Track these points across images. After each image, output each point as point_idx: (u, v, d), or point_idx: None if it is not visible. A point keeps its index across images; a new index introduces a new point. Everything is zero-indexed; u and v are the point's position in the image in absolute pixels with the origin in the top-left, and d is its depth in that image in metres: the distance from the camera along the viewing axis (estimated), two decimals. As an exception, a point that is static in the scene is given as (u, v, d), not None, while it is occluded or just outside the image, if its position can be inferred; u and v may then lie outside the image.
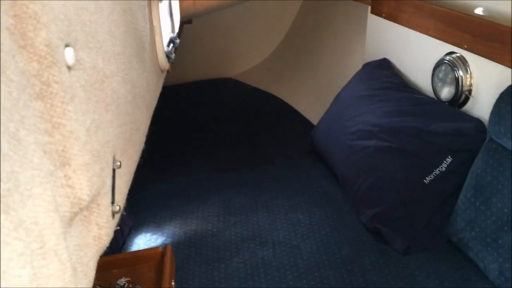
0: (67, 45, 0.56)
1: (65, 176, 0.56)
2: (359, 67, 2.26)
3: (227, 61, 3.45)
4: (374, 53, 2.26)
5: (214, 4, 2.31)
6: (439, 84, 1.83)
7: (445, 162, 1.61)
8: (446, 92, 1.80)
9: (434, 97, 1.86)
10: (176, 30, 1.79)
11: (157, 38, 1.26)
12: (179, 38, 2.53)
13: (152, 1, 1.22)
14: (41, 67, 0.50)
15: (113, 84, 0.75)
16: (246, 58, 3.46)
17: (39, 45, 0.49)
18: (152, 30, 1.22)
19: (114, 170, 0.73)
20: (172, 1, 1.66)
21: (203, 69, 3.34)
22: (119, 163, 0.74)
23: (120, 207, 0.74)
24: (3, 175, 0.39)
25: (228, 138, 2.60)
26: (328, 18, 2.98)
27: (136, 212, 1.87)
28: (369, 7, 2.28)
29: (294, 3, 3.34)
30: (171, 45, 1.48)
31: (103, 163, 0.67)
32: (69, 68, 0.56)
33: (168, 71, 2.41)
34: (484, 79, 1.64)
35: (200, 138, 2.64)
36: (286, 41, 3.41)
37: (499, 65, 1.55)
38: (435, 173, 1.61)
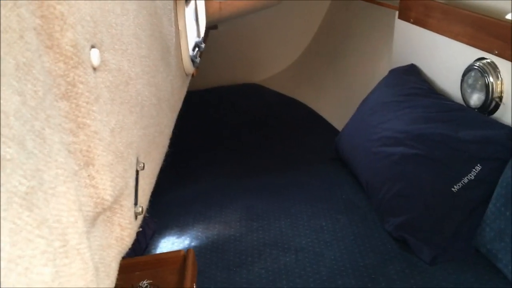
0: (93, 46, 0.56)
1: (88, 176, 0.56)
2: (386, 73, 2.22)
3: (252, 66, 3.46)
4: (402, 59, 2.23)
5: (239, 9, 2.31)
6: (469, 91, 1.79)
7: (474, 170, 1.57)
8: (475, 99, 1.75)
9: (463, 104, 1.82)
10: (202, 34, 1.81)
11: (182, 42, 1.27)
12: (204, 43, 2.55)
13: (178, 5, 1.23)
14: (67, 67, 0.51)
15: (137, 86, 0.75)
16: (271, 64, 3.47)
17: (66, 46, 0.50)
18: (178, 34, 1.23)
19: (137, 172, 0.74)
20: (198, 6, 1.67)
21: (228, 74, 3.36)
22: (142, 165, 0.75)
23: (143, 209, 0.74)
24: (27, 172, 0.40)
25: (252, 144, 2.61)
26: (354, 24, 2.96)
27: (159, 216, 1.88)
28: (397, 12, 2.25)
29: (320, 9, 3.33)
30: (196, 49, 1.49)
31: (127, 164, 0.67)
32: (94, 69, 0.57)
33: (193, 76, 2.43)
34: (516, 86, 1.59)
35: (223, 143, 2.65)
36: (312, 47, 3.40)
37: (531, 71, 1.50)
38: (463, 181, 1.57)
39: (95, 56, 0.56)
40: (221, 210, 1.96)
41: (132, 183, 0.70)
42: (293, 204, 1.93)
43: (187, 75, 1.38)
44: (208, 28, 2.94)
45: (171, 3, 1.12)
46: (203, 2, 2.08)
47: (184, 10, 1.24)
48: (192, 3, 1.48)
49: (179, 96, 1.22)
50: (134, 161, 0.72)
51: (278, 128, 2.76)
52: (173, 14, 1.13)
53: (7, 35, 0.39)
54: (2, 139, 0.36)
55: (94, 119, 0.55)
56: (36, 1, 0.46)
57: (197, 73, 2.53)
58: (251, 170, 2.31)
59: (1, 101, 0.37)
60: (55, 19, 0.48)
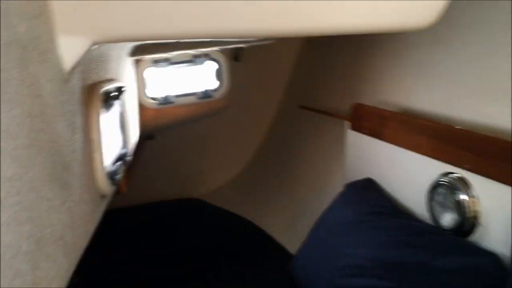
0: None
1: None
2: (338, 187, 2.00)
3: (191, 179, 3.15)
4: (356, 172, 2.03)
5: (178, 117, 2.09)
6: (438, 209, 1.57)
7: (459, 307, 1.29)
8: (448, 219, 1.53)
9: (433, 224, 1.59)
10: (130, 145, 1.52)
11: (95, 156, 0.97)
12: (138, 155, 2.24)
13: (90, 110, 0.96)
14: None
15: None
16: (213, 176, 3.18)
17: None
18: (88, 145, 0.94)
19: None
20: (125, 112, 1.42)
21: (163, 188, 3.02)
22: None
23: None
24: None
25: (190, 273, 2.17)
26: (302, 134, 2.80)
27: None
28: (349, 123, 2.10)
29: (266, 118, 3.16)
30: (119, 162, 1.19)
31: None
32: None
33: (121, 191, 2.07)
34: (494, 204, 1.39)
35: (155, 272, 2.21)
36: (257, 157, 3.18)
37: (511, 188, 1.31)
38: (448, 321, 1.28)
39: None
40: None
41: None
42: None
43: (103, 196, 1.06)
44: (144, 138, 2.67)
45: (77, 108, 0.84)
46: (136, 107, 1.83)
47: (98, 116, 0.96)
48: (115, 108, 1.21)
49: (86, 229, 0.89)
50: None
51: (220, 252, 2.37)
52: (78, 120, 0.85)
53: None
54: None
55: None
56: None
57: (127, 188, 2.20)
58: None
59: None
60: None
